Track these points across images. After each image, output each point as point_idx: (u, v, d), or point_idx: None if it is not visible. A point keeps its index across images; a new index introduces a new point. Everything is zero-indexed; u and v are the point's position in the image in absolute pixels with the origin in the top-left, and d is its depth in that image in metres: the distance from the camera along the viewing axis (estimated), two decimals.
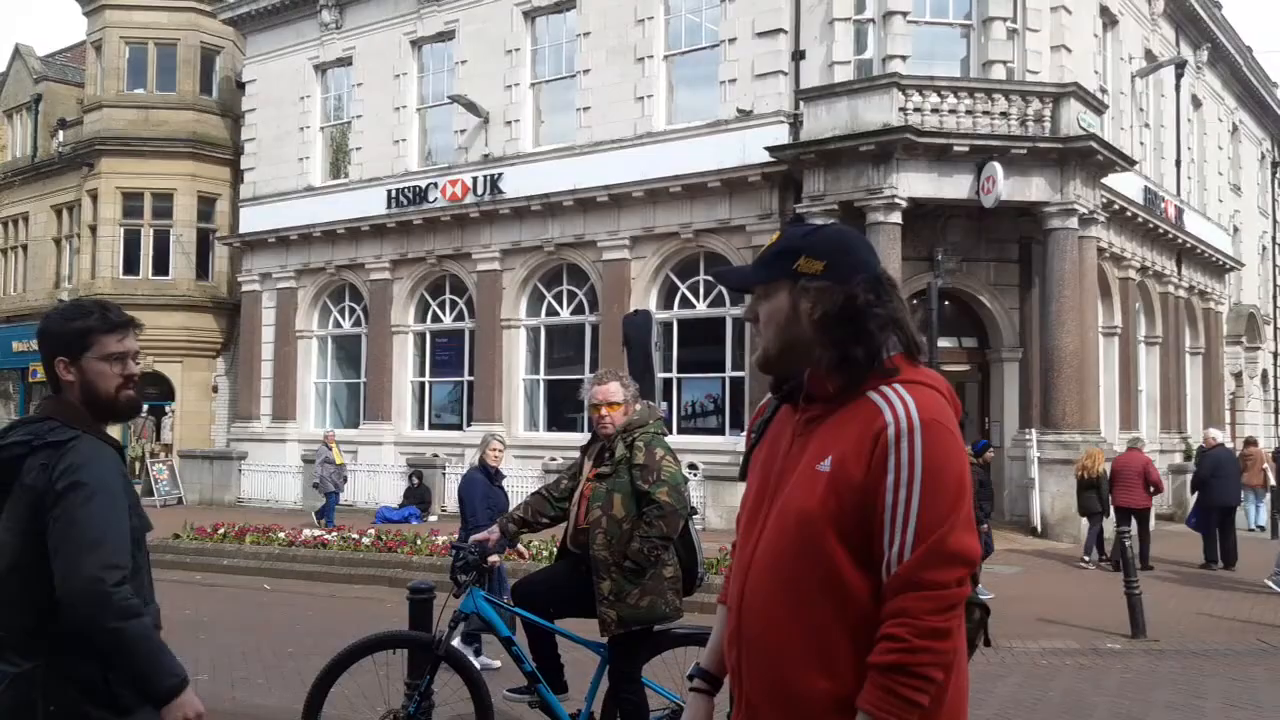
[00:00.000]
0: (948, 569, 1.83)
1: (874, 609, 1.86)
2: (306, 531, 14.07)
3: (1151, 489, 13.93)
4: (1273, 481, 19.82)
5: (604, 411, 4.94)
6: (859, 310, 1.96)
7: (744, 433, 17.93)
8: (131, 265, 26.13)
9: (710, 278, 19.05)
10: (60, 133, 29.30)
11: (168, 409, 26.17)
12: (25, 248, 30.44)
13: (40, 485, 2.51)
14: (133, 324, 2.83)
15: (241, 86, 25.94)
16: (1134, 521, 13.57)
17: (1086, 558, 14.06)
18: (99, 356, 2.68)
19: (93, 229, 26.44)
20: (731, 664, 2.06)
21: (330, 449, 18.88)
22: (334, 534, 13.99)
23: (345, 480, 19.20)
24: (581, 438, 5.09)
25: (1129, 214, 20.27)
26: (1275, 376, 34.04)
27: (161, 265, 26.17)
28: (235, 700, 7.02)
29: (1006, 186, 15.81)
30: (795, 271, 2.01)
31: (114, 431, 3.01)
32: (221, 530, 14.42)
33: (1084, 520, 14.68)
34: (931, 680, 1.80)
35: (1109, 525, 14.14)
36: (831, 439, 1.95)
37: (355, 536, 13.69)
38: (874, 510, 1.87)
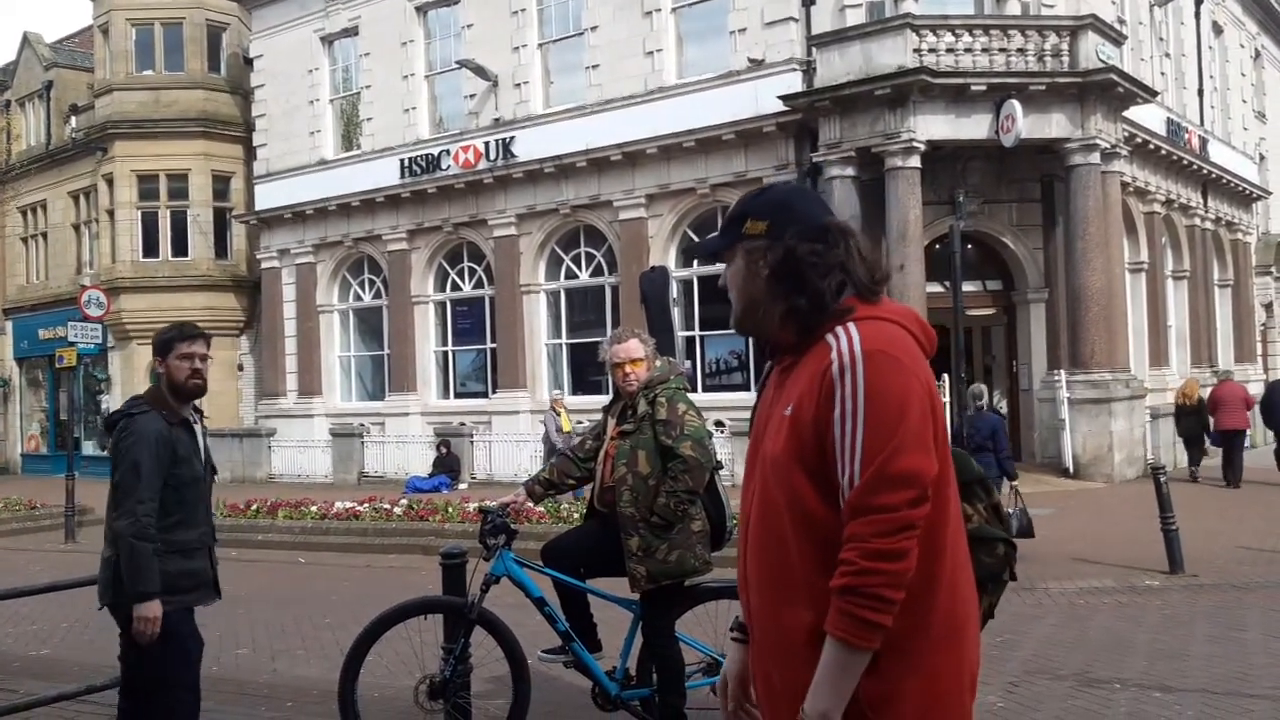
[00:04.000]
0: (895, 491, 1.88)
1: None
2: (339, 504, 14.15)
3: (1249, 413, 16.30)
4: None
5: (628, 369, 4.89)
6: (798, 261, 2.06)
7: None
8: (151, 248, 26.22)
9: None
10: (73, 118, 29.31)
11: None
12: (45, 235, 30.58)
13: (114, 439, 4.08)
14: (201, 335, 4.24)
15: (249, 62, 25.85)
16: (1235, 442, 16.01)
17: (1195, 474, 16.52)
18: (176, 355, 4.14)
19: (110, 213, 26.51)
20: (744, 606, 2.19)
21: (559, 414, 17.47)
22: (365, 505, 14.02)
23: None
24: (606, 399, 5.07)
25: (1152, 146, 19.91)
26: None
27: (180, 246, 26.25)
28: (275, 672, 7.08)
29: (1026, 124, 15.53)
30: (744, 235, 2.15)
31: None
32: (254, 506, 14.53)
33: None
34: (885, 600, 1.85)
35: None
36: (794, 384, 2.06)
37: (387, 507, 13.76)
38: (828, 444, 1.95)
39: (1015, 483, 10.39)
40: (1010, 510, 9.44)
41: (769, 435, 2.09)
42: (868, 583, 1.85)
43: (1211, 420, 16.29)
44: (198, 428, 4.30)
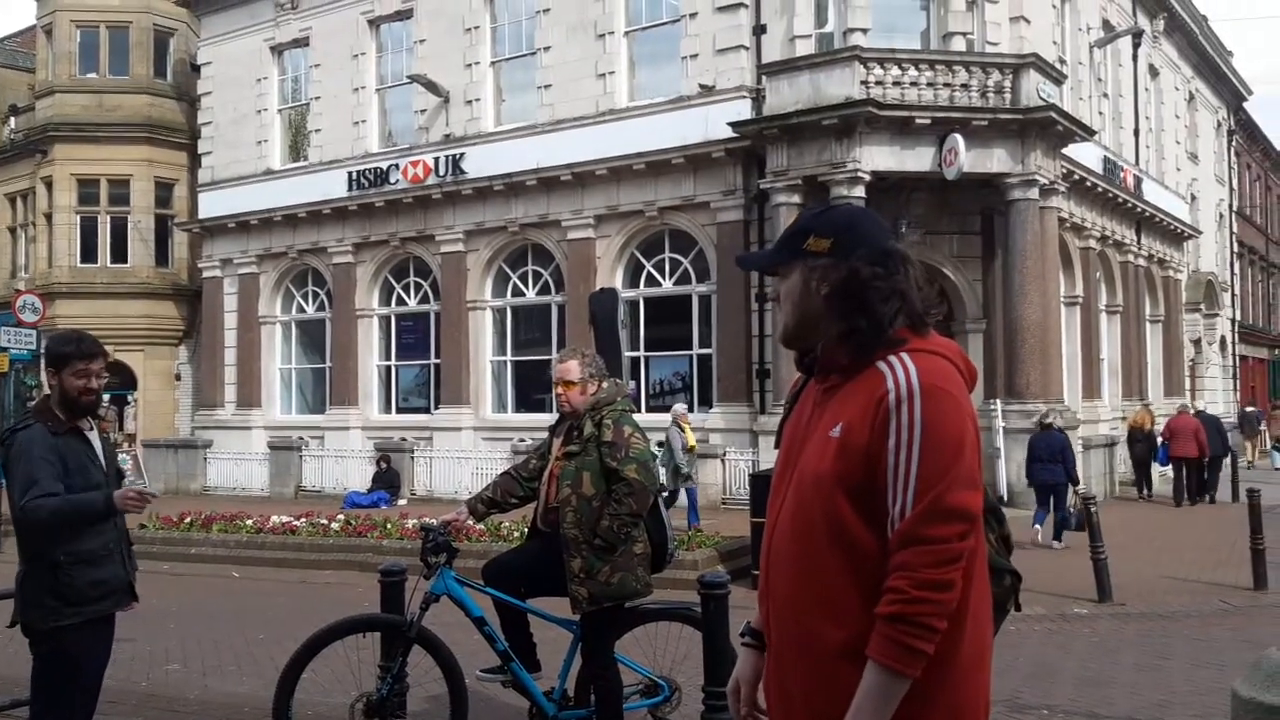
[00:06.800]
0: (946, 524, 1.93)
1: (883, 564, 1.96)
2: (275, 518, 13.95)
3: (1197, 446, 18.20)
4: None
5: (559, 390, 4.94)
6: (862, 284, 2.08)
7: (710, 410, 18.01)
8: (89, 253, 25.74)
9: (676, 255, 19.05)
10: (12, 119, 28.74)
11: (130, 398, 25.83)
12: None
13: (4, 458, 4.08)
14: (100, 352, 4.19)
15: (197, 69, 25.54)
16: (1186, 468, 18.19)
17: (1143, 494, 19.00)
18: (72, 372, 4.08)
19: (48, 217, 26.00)
20: (763, 617, 2.22)
21: (683, 430, 14.86)
22: (302, 520, 13.82)
23: (695, 469, 15.35)
24: (550, 418, 5.05)
25: (1089, 184, 20.43)
26: (1233, 343, 34.57)
27: (120, 253, 25.80)
28: (206, 689, 6.97)
29: (968, 158, 15.88)
30: (805, 251, 2.15)
31: None
32: (188, 519, 14.27)
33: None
34: (932, 629, 1.90)
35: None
36: (843, 407, 2.08)
37: (324, 522, 13.59)
38: (879, 471, 1.98)
39: (1079, 488, 13.13)
40: (1071, 509, 12.63)
41: (809, 452, 2.10)
42: (917, 611, 1.89)
43: (1166, 447, 18.36)
44: (93, 435, 4.21)
